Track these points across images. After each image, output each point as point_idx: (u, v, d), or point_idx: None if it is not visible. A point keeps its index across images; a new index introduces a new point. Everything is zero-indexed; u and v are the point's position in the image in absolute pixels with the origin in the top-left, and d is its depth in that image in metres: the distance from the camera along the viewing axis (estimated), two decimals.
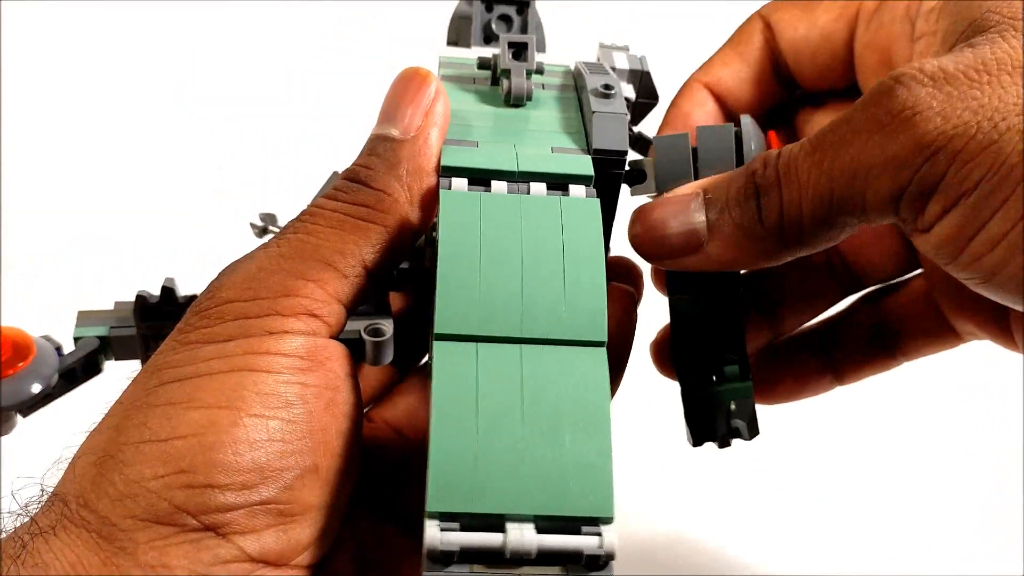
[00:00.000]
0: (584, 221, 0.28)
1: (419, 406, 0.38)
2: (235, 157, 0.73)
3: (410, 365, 0.39)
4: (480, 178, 0.29)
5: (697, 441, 0.35)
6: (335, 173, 0.37)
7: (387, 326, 0.34)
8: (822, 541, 0.53)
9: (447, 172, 0.29)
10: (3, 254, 0.66)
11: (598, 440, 0.25)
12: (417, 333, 0.36)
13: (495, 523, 0.24)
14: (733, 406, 0.34)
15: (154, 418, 0.25)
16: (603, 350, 0.27)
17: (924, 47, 0.31)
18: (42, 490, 0.26)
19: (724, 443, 0.35)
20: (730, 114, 0.37)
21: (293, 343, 0.26)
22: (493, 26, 0.37)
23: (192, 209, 0.69)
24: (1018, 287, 0.26)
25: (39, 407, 0.34)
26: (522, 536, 0.23)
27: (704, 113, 0.37)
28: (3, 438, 0.34)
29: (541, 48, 0.38)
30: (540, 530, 0.24)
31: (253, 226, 0.41)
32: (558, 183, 0.29)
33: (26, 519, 0.26)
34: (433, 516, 0.24)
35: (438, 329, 0.26)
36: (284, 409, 0.26)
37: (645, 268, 0.37)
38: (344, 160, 0.31)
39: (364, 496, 0.33)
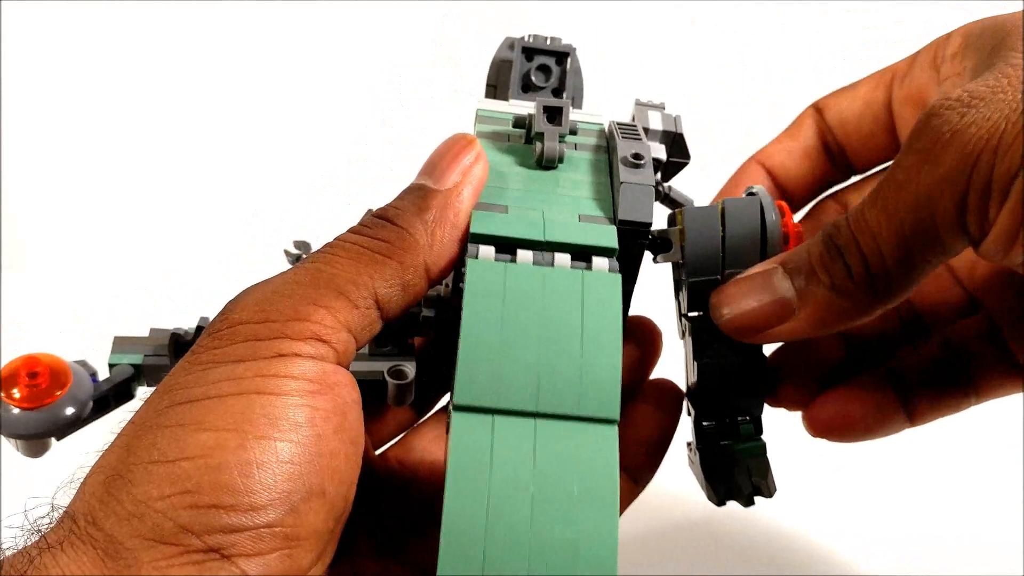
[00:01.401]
0: (604, 297, 0.29)
1: (434, 450, 0.38)
2: (270, 191, 0.74)
3: (428, 407, 0.39)
4: (507, 245, 0.30)
5: (722, 500, 0.35)
6: (369, 211, 0.38)
7: (410, 369, 0.34)
8: (822, 541, 0.52)
9: (476, 239, 0.30)
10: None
11: (604, 519, 0.26)
12: (436, 377, 0.37)
13: None
14: (750, 465, 0.35)
15: (163, 439, 0.25)
16: (615, 428, 0.27)
17: (951, 88, 0.32)
18: (52, 508, 0.27)
19: (750, 501, 0.35)
20: (782, 190, 0.39)
21: (302, 367, 0.27)
22: (532, 77, 0.38)
23: (227, 242, 0.69)
24: None
25: (73, 431, 0.35)
26: None
27: (756, 183, 0.38)
28: (27, 459, 0.35)
29: (579, 95, 0.39)
30: None
31: (287, 253, 0.41)
32: (582, 254, 0.30)
33: (36, 536, 0.26)
34: None
35: (457, 400, 0.27)
36: (293, 431, 0.26)
37: (664, 326, 0.37)
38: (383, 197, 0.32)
39: (372, 535, 0.33)
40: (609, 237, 0.30)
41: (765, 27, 0.81)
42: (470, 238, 0.30)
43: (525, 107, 0.36)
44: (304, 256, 0.41)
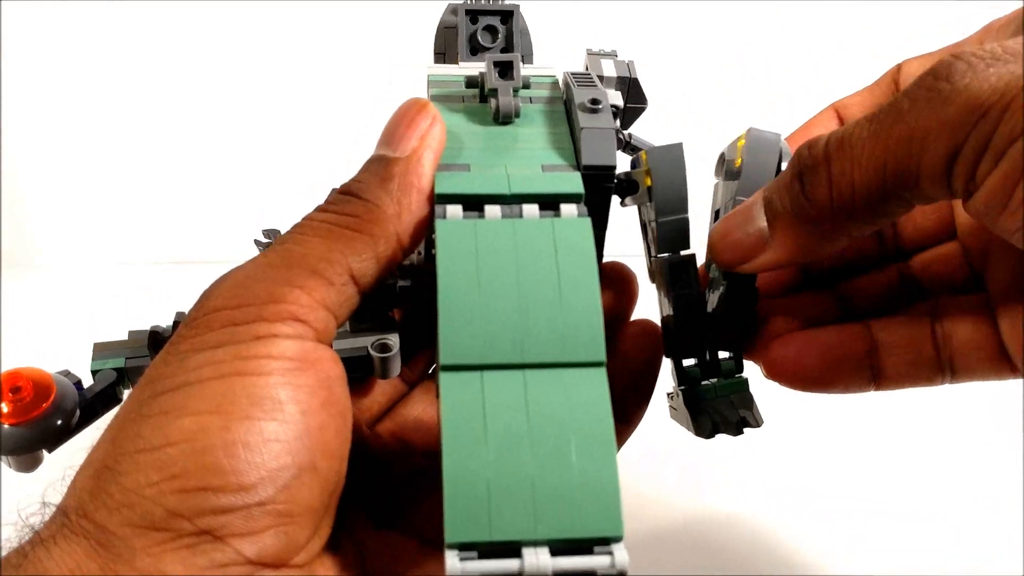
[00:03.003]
0: (577, 242, 0.29)
1: (425, 419, 0.38)
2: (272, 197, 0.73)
3: (415, 376, 0.39)
4: (474, 202, 0.30)
5: (709, 434, 0.35)
6: (334, 191, 0.38)
7: (393, 341, 0.34)
8: (822, 541, 0.52)
9: (441, 199, 0.30)
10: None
11: (604, 461, 0.26)
12: (420, 345, 0.37)
13: (512, 549, 0.25)
14: (734, 399, 0.35)
15: (147, 428, 0.26)
16: (603, 370, 0.27)
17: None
18: (43, 505, 0.27)
19: (738, 431, 0.35)
20: None
21: (281, 346, 0.27)
22: (479, 38, 0.38)
23: (227, 242, 0.69)
24: None
25: (63, 441, 0.35)
26: (538, 560, 0.24)
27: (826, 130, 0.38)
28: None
29: (528, 54, 0.39)
30: (554, 553, 0.25)
31: (257, 243, 0.41)
32: (550, 203, 0.30)
33: (30, 533, 0.26)
34: (452, 547, 0.25)
35: (443, 361, 0.27)
36: (277, 410, 0.26)
37: (638, 271, 0.37)
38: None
39: (371, 508, 0.34)
40: (574, 183, 0.30)
41: (765, 28, 0.81)
42: (436, 199, 0.30)
43: (475, 67, 0.36)
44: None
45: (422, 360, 0.39)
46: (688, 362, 0.36)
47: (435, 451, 0.37)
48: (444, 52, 0.39)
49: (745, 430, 0.35)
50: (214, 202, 0.73)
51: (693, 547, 0.50)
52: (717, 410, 0.35)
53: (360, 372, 0.36)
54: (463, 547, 0.25)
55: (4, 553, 0.26)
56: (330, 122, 0.78)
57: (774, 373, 0.35)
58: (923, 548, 0.52)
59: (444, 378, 0.27)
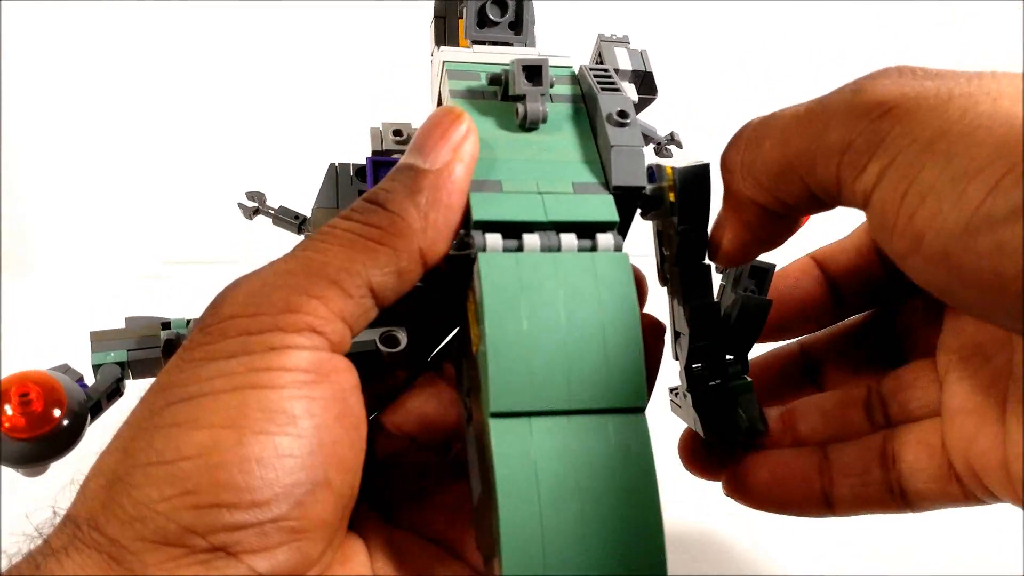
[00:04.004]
0: (618, 281, 0.29)
1: (428, 411, 0.38)
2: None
3: (419, 366, 0.39)
4: (511, 228, 0.30)
5: (720, 439, 0.36)
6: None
7: (402, 335, 0.34)
8: (822, 541, 0.53)
9: (478, 226, 0.29)
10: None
11: (648, 507, 0.27)
12: (425, 336, 0.37)
13: None
14: (740, 402, 0.36)
15: (160, 439, 0.25)
16: (644, 416, 0.28)
17: None
18: (54, 512, 0.27)
19: (748, 436, 0.36)
20: (832, 281, 0.38)
21: (296, 358, 0.26)
22: (487, 11, 0.37)
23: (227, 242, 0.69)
24: (942, 251, 0.25)
25: (74, 447, 0.34)
26: None
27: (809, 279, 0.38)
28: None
29: (531, 26, 0.38)
30: None
31: (242, 207, 0.40)
32: (586, 229, 0.30)
33: (40, 541, 0.26)
34: None
35: (493, 408, 0.27)
36: (291, 424, 0.26)
37: (648, 275, 0.37)
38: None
39: (376, 505, 0.34)
40: (609, 210, 0.31)
41: (765, 28, 0.80)
42: (472, 225, 0.29)
43: (491, 56, 0.36)
44: (260, 206, 0.41)
45: (424, 352, 0.39)
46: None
47: (437, 448, 0.37)
48: (444, 16, 0.38)
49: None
50: (214, 203, 0.73)
51: (692, 548, 0.51)
52: (725, 414, 0.36)
53: (366, 365, 0.36)
54: None
55: (13, 562, 0.26)
56: (329, 122, 0.76)
57: (730, 490, 0.36)
58: (923, 548, 0.52)
59: (494, 425, 0.27)
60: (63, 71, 0.79)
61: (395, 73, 0.69)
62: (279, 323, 0.26)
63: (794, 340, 0.40)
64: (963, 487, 0.32)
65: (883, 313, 0.38)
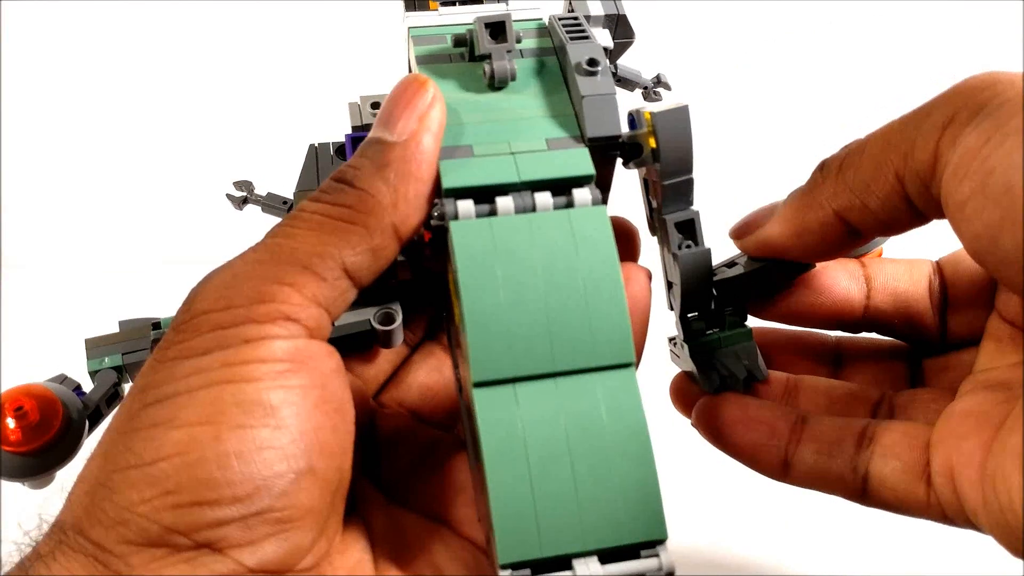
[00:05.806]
0: (596, 235, 0.28)
1: (430, 384, 0.37)
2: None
3: (417, 339, 0.39)
4: (484, 192, 0.29)
5: (717, 388, 0.35)
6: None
7: (397, 312, 0.33)
8: (822, 541, 0.53)
9: (449, 193, 0.28)
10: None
11: (642, 465, 0.26)
12: (418, 308, 0.36)
13: (563, 562, 0.25)
14: (738, 351, 0.35)
15: (138, 442, 0.25)
16: (632, 371, 0.27)
17: None
18: (40, 520, 0.27)
19: (747, 386, 0.35)
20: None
21: (272, 348, 0.26)
22: None
23: (226, 242, 0.69)
24: (1005, 185, 0.25)
25: (74, 456, 0.34)
26: (588, 570, 0.25)
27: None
28: None
29: None
30: (604, 561, 0.25)
31: (230, 198, 0.40)
32: (561, 186, 0.29)
33: (30, 548, 0.26)
34: (505, 567, 0.25)
35: (475, 378, 0.26)
36: (270, 416, 0.25)
37: (640, 226, 0.36)
38: None
39: (378, 483, 0.33)
40: (584, 163, 0.29)
41: (765, 28, 0.79)
42: (444, 193, 0.28)
43: (458, 17, 0.34)
44: (248, 195, 0.40)
45: (422, 323, 0.39)
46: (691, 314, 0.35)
47: (443, 421, 0.36)
48: (415, 3, 0.37)
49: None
50: (210, 202, 0.73)
51: (694, 547, 0.51)
52: (724, 364, 0.35)
53: (363, 344, 0.36)
54: (516, 566, 0.25)
55: (5, 570, 0.26)
56: (329, 122, 0.76)
57: (697, 421, 0.35)
58: (923, 548, 0.52)
59: (478, 395, 0.26)
60: (62, 71, 0.79)
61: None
62: (252, 315, 0.26)
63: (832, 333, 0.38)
64: (929, 491, 0.30)
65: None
